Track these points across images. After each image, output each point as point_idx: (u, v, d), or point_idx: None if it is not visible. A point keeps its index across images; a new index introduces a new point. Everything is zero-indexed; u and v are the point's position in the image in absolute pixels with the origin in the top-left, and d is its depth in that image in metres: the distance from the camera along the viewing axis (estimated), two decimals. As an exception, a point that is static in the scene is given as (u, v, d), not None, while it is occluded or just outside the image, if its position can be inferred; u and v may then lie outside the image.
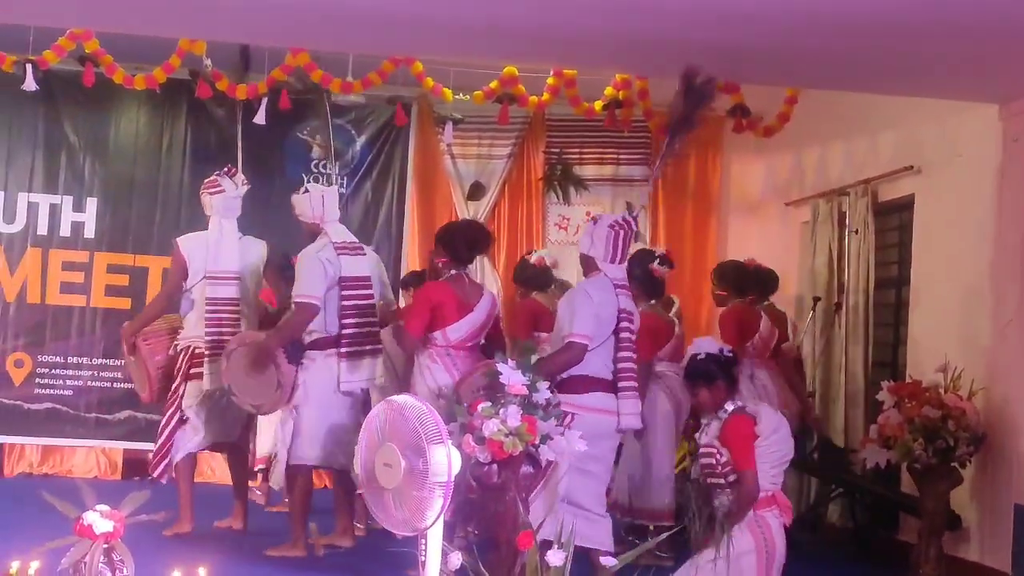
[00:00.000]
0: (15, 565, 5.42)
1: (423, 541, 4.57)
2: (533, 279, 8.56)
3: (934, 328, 8.40)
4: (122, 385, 10.31)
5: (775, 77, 8.31)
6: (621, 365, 6.57)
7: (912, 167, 8.77)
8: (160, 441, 7.92)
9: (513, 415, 5.60)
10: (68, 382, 10.48)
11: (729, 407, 5.96)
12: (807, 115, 9.73)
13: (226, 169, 8.27)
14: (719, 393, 6.00)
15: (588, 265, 6.77)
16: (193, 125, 10.84)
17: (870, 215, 9.19)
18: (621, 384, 6.53)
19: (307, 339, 7.39)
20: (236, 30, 7.58)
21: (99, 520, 5.18)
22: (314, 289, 7.29)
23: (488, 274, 10.74)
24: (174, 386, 7.92)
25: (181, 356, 7.93)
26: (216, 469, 10.62)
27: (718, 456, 5.87)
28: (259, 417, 8.39)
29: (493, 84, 9.48)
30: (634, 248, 7.27)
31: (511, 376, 5.75)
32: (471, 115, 10.56)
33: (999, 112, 7.80)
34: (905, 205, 9.00)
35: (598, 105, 9.55)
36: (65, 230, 10.59)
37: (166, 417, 7.94)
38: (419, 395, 6.61)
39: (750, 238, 11.28)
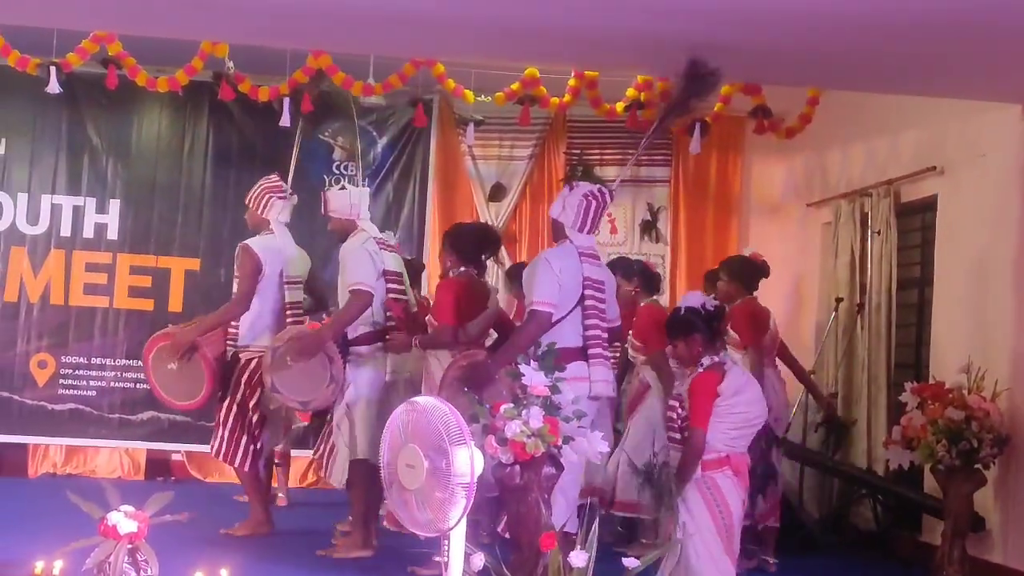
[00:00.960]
0: (39, 565, 5.46)
1: (446, 542, 4.58)
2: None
3: (957, 329, 8.36)
4: (145, 386, 10.31)
5: (797, 78, 8.30)
6: (589, 333, 6.48)
7: (935, 167, 8.74)
8: (250, 435, 7.87)
9: (535, 416, 5.59)
10: (91, 383, 10.53)
11: (706, 361, 5.89)
12: (829, 116, 9.69)
13: (278, 173, 8.31)
14: (695, 346, 5.92)
15: (556, 231, 6.74)
16: (215, 127, 10.87)
17: (892, 216, 9.16)
18: (590, 352, 6.45)
19: (351, 335, 7.37)
20: (258, 33, 7.58)
21: (123, 520, 5.22)
22: (367, 276, 7.27)
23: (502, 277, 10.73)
24: (250, 393, 7.86)
25: (248, 364, 7.84)
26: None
27: (679, 410, 5.88)
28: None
29: (514, 86, 9.47)
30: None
31: (533, 377, 5.74)
32: (492, 116, 10.56)
33: (1022, 112, 7.76)
34: (928, 206, 8.97)
35: (620, 106, 9.54)
36: (88, 232, 10.64)
37: (246, 416, 7.87)
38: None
39: (771, 239, 11.24)
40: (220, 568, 5.58)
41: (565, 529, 6.01)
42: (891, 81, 7.81)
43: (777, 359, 8.46)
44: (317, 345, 7.26)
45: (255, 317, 7.90)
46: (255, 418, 7.91)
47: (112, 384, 10.55)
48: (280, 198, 8.08)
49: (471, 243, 7.19)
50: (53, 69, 9.04)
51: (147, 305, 10.58)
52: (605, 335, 6.58)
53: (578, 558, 4.59)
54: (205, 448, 10.16)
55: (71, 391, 10.48)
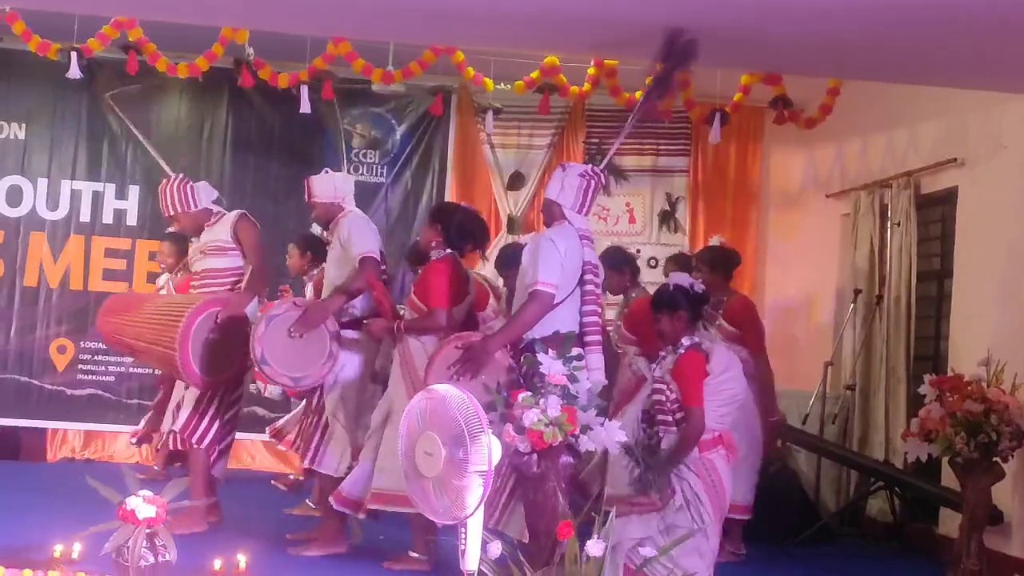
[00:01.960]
0: (59, 548, 5.49)
1: (463, 530, 4.58)
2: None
3: (976, 321, 8.33)
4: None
5: (817, 68, 8.26)
6: (587, 319, 6.35)
7: (955, 159, 8.70)
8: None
9: (553, 405, 5.58)
10: (110, 368, 10.56)
11: (686, 342, 5.92)
12: (849, 106, 9.67)
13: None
14: (679, 324, 5.95)
15: (553, 213, 6.50)
16: (234, 114, 10.87)
17: (912, 207, 9.13)
18: (587, 339, 6.29)
19: (344, 318, 7.13)
20: (279, 19, 7.58)
21: (142, 506, 5.24)
22: (375, 244, 7.09)
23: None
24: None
25: None
26: (256, 455, 10.72)
27: (668, 392, 5.86)
28: None
29: (534, 74, 9.48)
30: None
31: (551, 366, 5.74)
32: (511, 104, 10.56)
33: (1044, 104, 7.74)
34: (948, 197, 8.93)
35: (639, 95, 9.51)
36: (107, 217, 10.66)
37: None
38: (412, 377, 6.60)
39: (790, 230, 11.25)
40: (237, 554, 5.61)
41: None
42: (912, 72, 7.77)
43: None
44: (323, 316, 7.00)
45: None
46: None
47: (131, 369, 10.56)
48: None
49: (456, 229, 6.90)
50: (74, 54, 9.09)
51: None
52: (599, 321, 6.46)
53: (595, 547, 4.59)
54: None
55: (90, 376, 10.51)
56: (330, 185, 7.38)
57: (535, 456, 5.62)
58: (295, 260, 9.24)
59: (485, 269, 9.03)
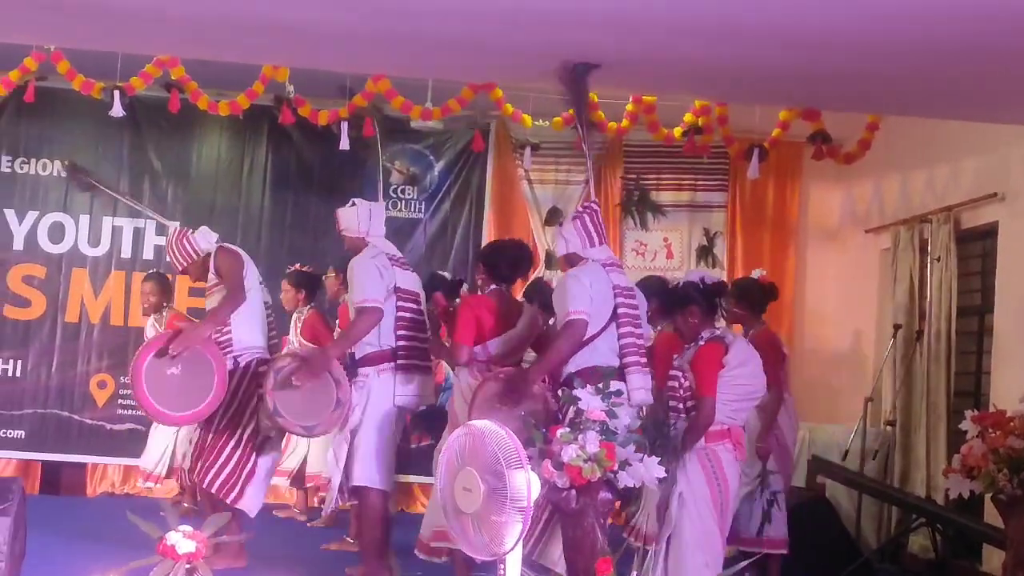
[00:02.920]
0: (98, 583, 5.50)
1: (501, 566, 4.57)
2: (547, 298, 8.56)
3: (1018, 357, 8.26)
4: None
5: (857, 104, 8.26)
6: (624, 341, 6.40)
7: (996, 194, 8.66)
8: (237, 462, 7.39)
9: (592, 441, 5.58)
10: None
11: (706, 334, 6.02)
12: (888, 141, 9.64)
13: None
14: (693, 319, 6.05)
15: (572, 260, 6.61)
16: (274, 150, 10.96)
17: (952, 242, 9.08)
18: (626, 360, 6.34)
19: (358, 354, 7.05)
20: (319, 57, 7.65)
21: (182, 541, 5.24)
22: (376, 292, 6.90)
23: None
24: (246, 400, 7.43)
25: (242, 366, 7.43)
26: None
27: (682, 380, 5.97)
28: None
29: (572, 110, 9.49)
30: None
31: (590, 401, 5.73)
32: (548, 141, 10.59)
33: (1086, 138, 7.69)
34: (988, 232, 8.89)
35: (677, 131, 9.56)
36: (148, 253, 10.73)
37: (239, 436, 7.42)
38: (458, 410, 6.70)
39: (829, 265, 11.21)
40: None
41: None
42: (952, 107, 7.75)
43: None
44: (324, 365, 6.92)
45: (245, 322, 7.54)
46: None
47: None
48: None
49: (506, 262, 7.03)
50: (117, 93, 9.17)
51: (205, 327, 10.65)
52: (641, 340, 6.51)
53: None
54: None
55: (129, 411, 10.52)
56: (354, 218, 7.26)
57: (574, 492, 5.62)
58: (289, 296, 9.51)
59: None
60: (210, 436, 7.43)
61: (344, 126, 9.46)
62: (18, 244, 10.64)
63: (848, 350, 10.90)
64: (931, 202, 9.54)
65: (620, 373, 6.28)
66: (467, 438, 4.67)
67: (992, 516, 7.86)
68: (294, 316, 9.57)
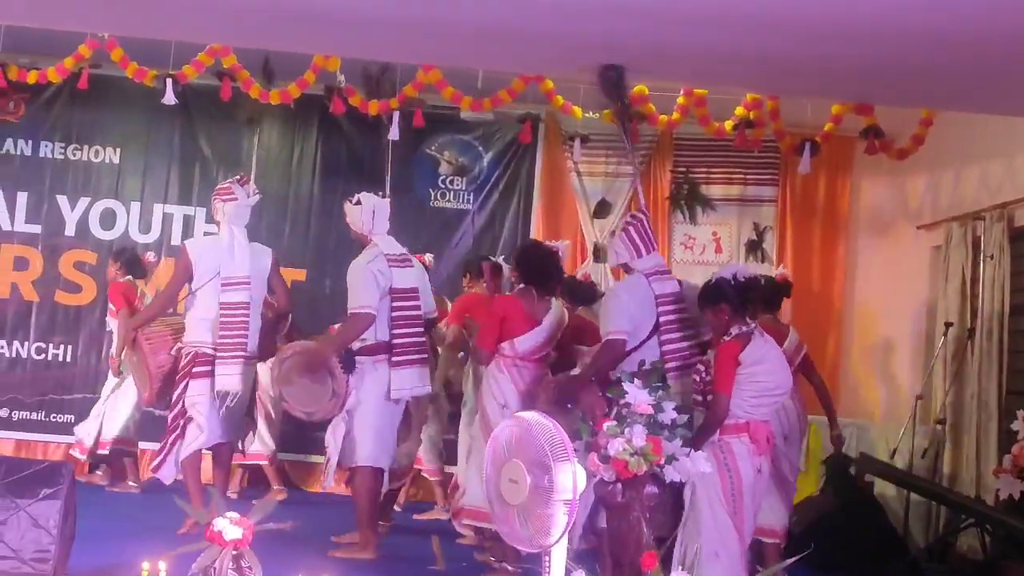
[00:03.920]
0: (146, 567, 5.55)
1: (547, 558, 4.58)
2: (580, 294, 8.65)
3: (1072, 357, 8.19)
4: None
5: (911, 98, 8.19)
6: (665, 348, 6.63)
7: (1051, 191, 8.59)
8: (167, 440, 7.92)
9: (638, 434, 5.59)
10: None
11: (734, 331, 6.08)
12: (941, 136, 9.56)
13: (238, 177, 8.28)
14: (722, 315, 6.12)
15: (626, 270, 6.98)
16: (324, 140, 11.01)
17: (1006, 240, 9.00)
18: (669, 365, 6.53)
19: (357, 344, 7.56)
20: (369, 47, 7.69)
21: (229, 527, 5.29)
22: (369, 300, 7.45)
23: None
24: (179, 386, 7.87)
25: (185, 358, 7.87)
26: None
27: (703, 374, 6.07)
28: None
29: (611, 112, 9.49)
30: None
31: (637, 395, 5.74)
32: (597, 133, 10.56)
33: None
34: (1043, 230, 8.81)
35: (728, 125, 9.52)
36: (187, 239, 10.77)
37: (172, 416, 7.92)
38: (485, 405, 7.10)
39: (879, 261, 11.13)
40: (322, 574, 5.64)
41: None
42: (1008, 103, 7.68)
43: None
44: (319, 362, 7.46)
45: (192, 314, 7.91)
46: (178, 416, 7.91)
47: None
48: (224, 200, 8.02)
49: (537, 273, 7.31)
50: (169, 81, 9.24)
51: (254, 314, 10.71)
52: (685, 344, 6.69)
53: (680, 578, 4.58)
54: (303, 457, 10.39)
55: (178, 397, 10.61)
56: (358, 215, 7.75)
57: (619, 485, 5.63)
58: None
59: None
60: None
61: (396, 117, 9.48)
62: (70, 230, 10.75)
63: (898, 347, 10.82)
64: (985, 199, 9.45)
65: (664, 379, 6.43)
66: (514, 429, 4.68)
67: (1043, 517, 7.81)
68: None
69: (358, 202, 7.77)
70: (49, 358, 10.67)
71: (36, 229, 10.73)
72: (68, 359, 10.68)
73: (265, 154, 10.97)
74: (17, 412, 10.59)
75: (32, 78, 9.55)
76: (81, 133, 10.80)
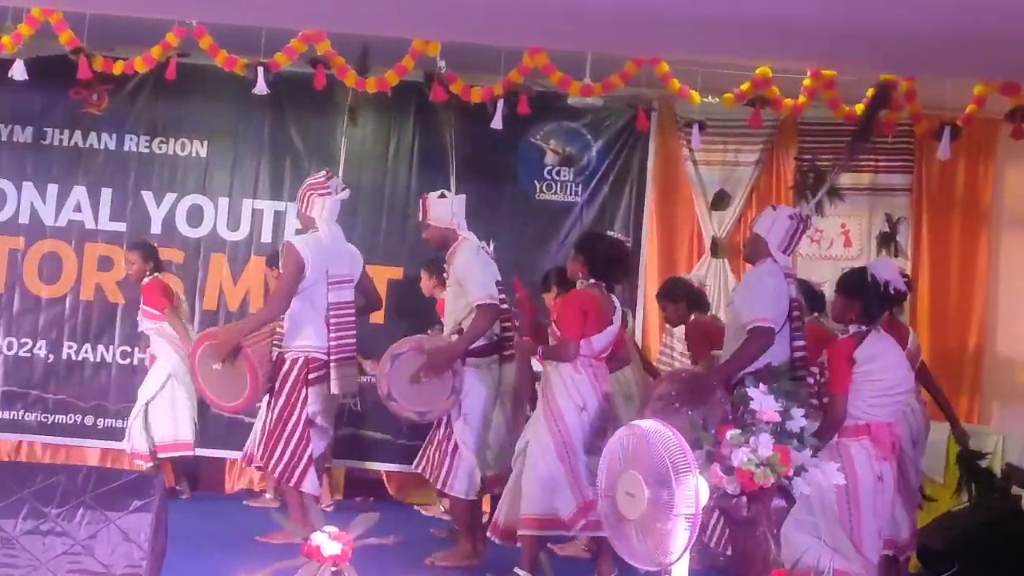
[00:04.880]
0: (243, 585, 5.64)
1: (667, 576, 4.59)
2: (699, 301, 8.89)
3: None
4: (344, 401, 10.42)
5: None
6: (798, 354, 6.89)
7: None
8: (294, 448, 7.91)
9: (765, 444, 5.55)
10: None
11: (851, 329, 6.20)
12: (1096, 119, 9.36)
13: (326, 172, 8.44)
14: (849, 312, 6.24)
15: (759, 249, 7.16)
16: (422, 130, 11.00)
17: None
18: (796, 374, 6.69)
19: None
20: (472, 30, 7.72)
21: (327, 542, 5.34)
22: (493, 289, 7.61)
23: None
24: (294, 394, 7.95)
25: (292, 364, 7.97)
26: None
27: (817, 376, 6.21)
28: None
29: (745, 86, 9.43)
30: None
31: (763, 401, 5.70)
32: (714, 119, 10.48)
33: None
34: None
35: (860, 108, 9.41)
36: (290, 237, 10.87)
37: (291, 425, 7.93)
38: (562, 408, 7.05)
39: (1024, 254, 10.94)
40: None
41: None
42: None
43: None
44: (451, 361, 7.56)
45: (298, 317, 7.99)
46: (298, 425, 7.98)
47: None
48: (322, 195, 8.14)
49: (602, 259, 7.30)
50: (261, 69, 9.34)
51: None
52: (806, 354, 6.92)
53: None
54: (403, 467, 10.42)
55: (269, 404, 10.73)
56: (447, 209, 7.87)
57: (744, 499, 5.60)
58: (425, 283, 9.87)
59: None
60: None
61: (500, 104, 9.51)
62: (156, 227, 10.82)
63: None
64: None
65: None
66: (630, 438, 4.69)
67: None
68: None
69: (442, 195, 7.90)
70: (135, 363, 10.77)
71: (121, 227, 10.82)
72: (155, 363, 10.78)
73: (359, 146, 11.03)
74: (102, 420, 10.73)
75: (118, 69, 9.69)
76: (167, 125, 10.90)
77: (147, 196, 10.88)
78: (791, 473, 5.57)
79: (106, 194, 10.84)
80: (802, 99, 9.55)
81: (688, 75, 9.50)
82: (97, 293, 10.79)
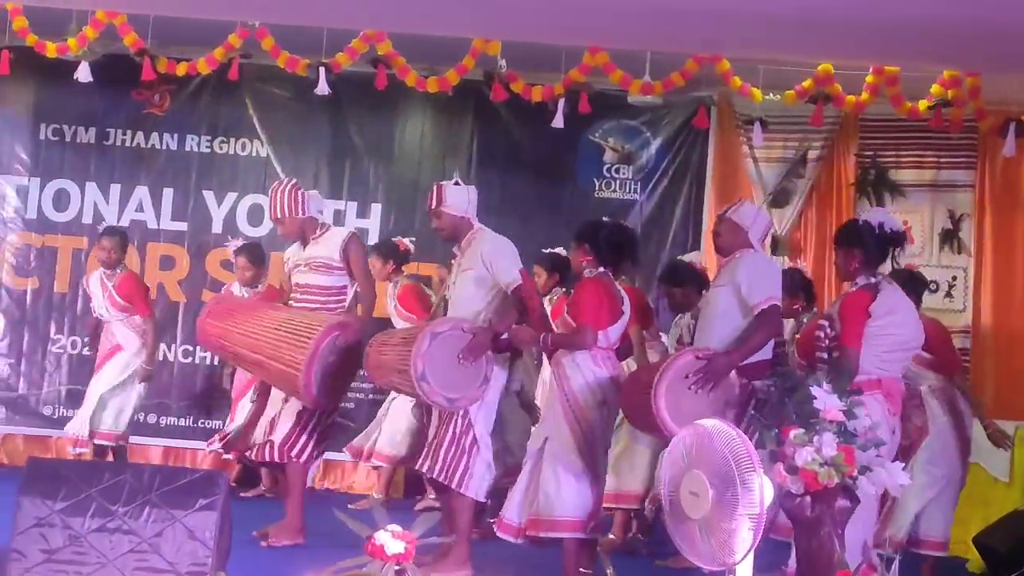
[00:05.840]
0: (307, 582, 5.69)
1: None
2: (699, 281, 8.73)
3: None
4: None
5: None
6: (778, 350, 6.82)
7: None
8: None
9: (828, 443, 5.52)
10: (351, 394, 10.43)
11: (860, 281, 6.10)
12: None
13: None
14: (852, 260, 6.15)
15: (740, 240, 6.93)
16: (480, 128, 11.05)
17: None
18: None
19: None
20: (532, 29, 7.75)
21: (391, 541, 5.37)
22: (519, 271, 7.26)
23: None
24: None
25: None
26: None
27: (827, 330, 6.06)
28: None
29: (807, 83, 9.40)
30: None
31: (826, 400, 5.68)
32: (774, 116, 10.46)
33: None
34: None
35: (923, 104, 9.36)
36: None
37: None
38: (583, 402, 6.80)
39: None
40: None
41: None
42: None
43: None
44: (487, 346, 7.13)
45: None
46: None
47: (370, 396, 10.71)
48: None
49: (607, 244, 7.06)
50: (322, 70, 9.41)
51: (407, 312, 10.82)
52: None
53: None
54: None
55: (336, 402, 10.78)
56: (463, 197, 7.48)
57: (808, 499, 5.58)
58: (377, 268, 9.63)
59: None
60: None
61: (561, 103, 9.53)
62: (217, 227, 10.99)
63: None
64: None
65: None
66: (693, 438, 4.70)
67: None
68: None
69: (457, 183, 7.59)
70: (196, 361, 10.94)
71: (182, 227, 10.98)
72: (216, 362, 10.83)
73: (418, 145, 11.09)
74: (165, 418, 10.87)
75: (181, 70, 9.83)
76: (228, 125, 11.02)
77: (208, 196, 11.03)
78: (855, 473, 5.55)
79: (168, 194, 10.99)
80: (865, 95, 9.50)
81: (749, 72, 9.47)
82: (159, 293, 10.90)
